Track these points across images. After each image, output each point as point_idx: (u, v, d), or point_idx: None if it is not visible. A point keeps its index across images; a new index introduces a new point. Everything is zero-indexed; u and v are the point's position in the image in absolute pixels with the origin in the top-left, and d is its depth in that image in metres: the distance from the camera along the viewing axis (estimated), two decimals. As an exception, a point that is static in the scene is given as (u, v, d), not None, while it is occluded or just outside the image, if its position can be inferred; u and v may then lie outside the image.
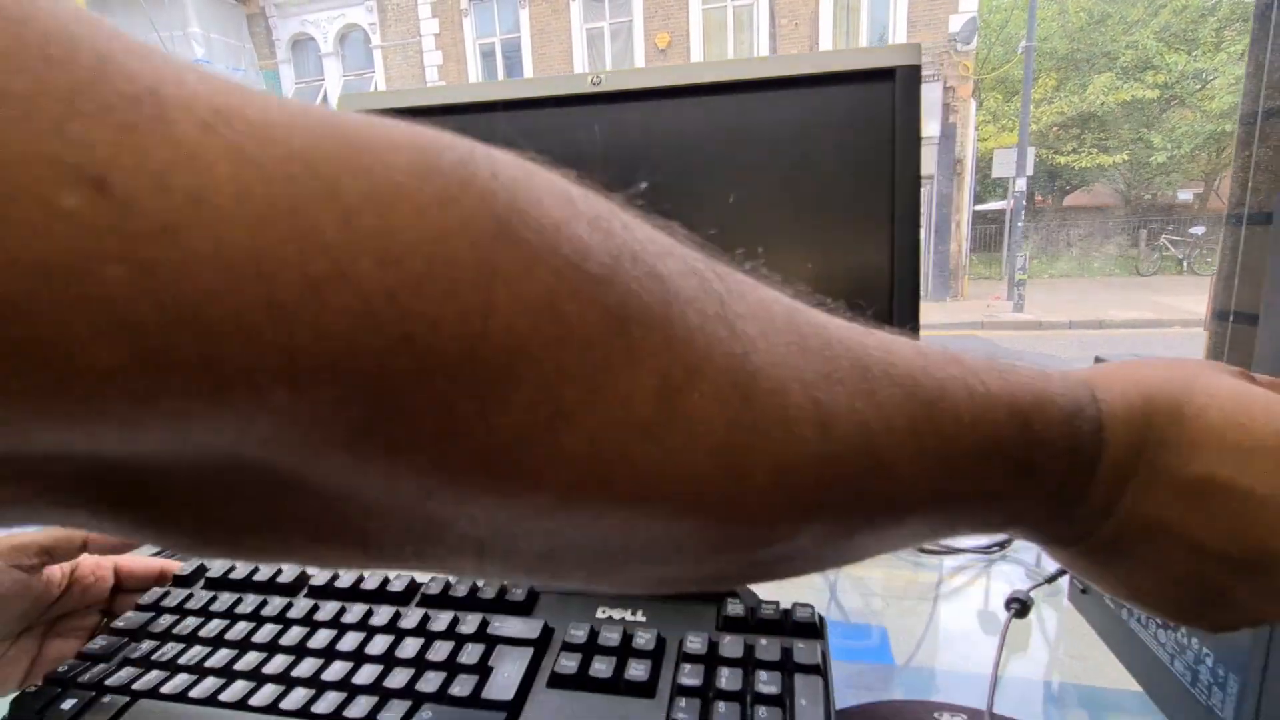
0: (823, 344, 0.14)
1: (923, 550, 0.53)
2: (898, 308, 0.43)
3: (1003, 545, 0.53)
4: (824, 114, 0.44)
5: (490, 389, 0.11)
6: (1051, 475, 0.18)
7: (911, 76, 0.42)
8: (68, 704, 0.33)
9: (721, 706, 0.30)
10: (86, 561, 0.40)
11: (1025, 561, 0.53)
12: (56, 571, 0.38)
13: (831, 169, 0.44)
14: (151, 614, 0.39)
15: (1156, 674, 0.35)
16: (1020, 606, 0.43)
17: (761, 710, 0.30)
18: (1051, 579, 0.46)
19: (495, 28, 12.02)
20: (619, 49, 11.43)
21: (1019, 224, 9.47)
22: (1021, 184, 9.55)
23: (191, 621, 0.39)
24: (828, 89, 0.44)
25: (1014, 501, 0.18)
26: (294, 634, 0.37)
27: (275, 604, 0.39)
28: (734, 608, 0.36)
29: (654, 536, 0.13)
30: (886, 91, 0.43)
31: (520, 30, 11.78)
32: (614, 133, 0.49)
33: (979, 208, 12.61)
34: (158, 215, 0.08)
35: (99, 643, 0.37)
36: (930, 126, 10.49)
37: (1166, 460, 0.18)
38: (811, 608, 0.36)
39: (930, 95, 10.50)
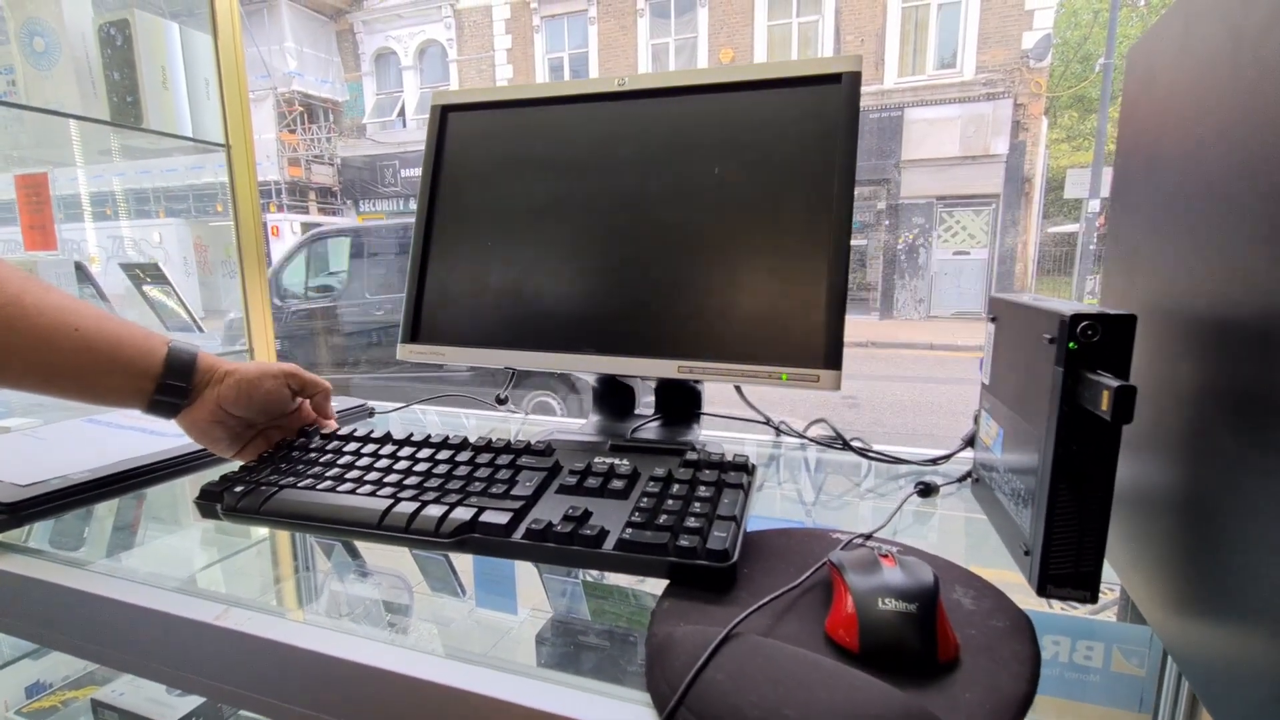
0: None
1: (868, 456, 0.65)
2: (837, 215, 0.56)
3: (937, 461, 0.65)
4: (790, 108, 0.58)
5: None
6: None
7: (853, 80, 0.56)
8: (238, 488, 0.50)
9: (669, 503, 0.44)
10: (305, 404, 0.61)
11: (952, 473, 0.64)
12: (294, 399, 0.59)
13: (793, 150, 0.58)
14: (302, 438, 0.57)
15: (1004, 523, 0.47)
16: (925, 487, 0.55)
17: (695, 505, 0.44)
18: (960, 479, 0.58)
19: (565, 43, 12.47)
20: (682, 64, 11.68)
21: (1090, 246, 9.15)
22: (1094, 205, 9.23)
23: (322, 452, 0.55)
24: (793, 89, 0.58)
25: None
26: (384, 462, 0.53)
27: (372, 447, 0.55)
28: (691, 455, 0.50)
29: None
30: (836, 92, 0.56)
31: (588, 46, 12.20)
32: (634, 121, 0.64)
33: (1056, 229, 12.19)
34: None
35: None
36: (998, 144, 10.26)
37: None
38: (747, 455, 0.49)
39: (999, 112, 10.26)
